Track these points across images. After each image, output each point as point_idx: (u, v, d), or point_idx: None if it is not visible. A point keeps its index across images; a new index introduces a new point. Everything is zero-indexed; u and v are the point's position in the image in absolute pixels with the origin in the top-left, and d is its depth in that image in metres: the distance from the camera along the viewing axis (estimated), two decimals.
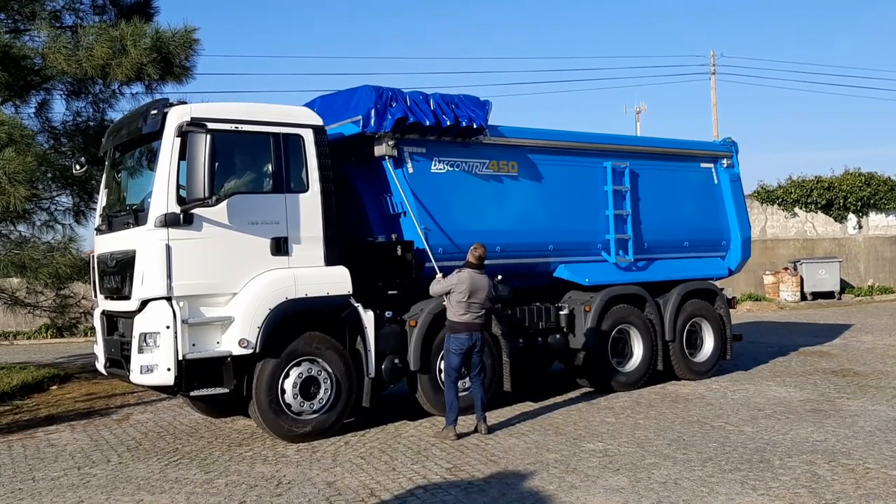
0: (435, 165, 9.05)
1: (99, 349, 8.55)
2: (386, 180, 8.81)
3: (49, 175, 11.96)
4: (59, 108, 21.19)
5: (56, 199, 12.68)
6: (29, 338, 21.05)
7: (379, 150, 8.62)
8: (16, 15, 12.05)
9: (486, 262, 8.40)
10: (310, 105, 9.32)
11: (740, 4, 74.81)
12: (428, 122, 8.59)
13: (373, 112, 8.47)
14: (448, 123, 8.72)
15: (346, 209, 8.73)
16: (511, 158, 9.65)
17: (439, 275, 8.31)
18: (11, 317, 18.99)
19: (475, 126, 8.95)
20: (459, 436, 7.95)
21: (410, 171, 8.83)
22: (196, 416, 9.42)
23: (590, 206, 10.34)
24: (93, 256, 8.75)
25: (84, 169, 9.24)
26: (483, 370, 8.30)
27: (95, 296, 8.66)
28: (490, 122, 9.32)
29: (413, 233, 8.71)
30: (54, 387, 12.16)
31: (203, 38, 11.79)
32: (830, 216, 26.92)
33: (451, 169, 9.17)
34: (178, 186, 7.39)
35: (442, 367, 8.75)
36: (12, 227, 12.16)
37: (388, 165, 8.68)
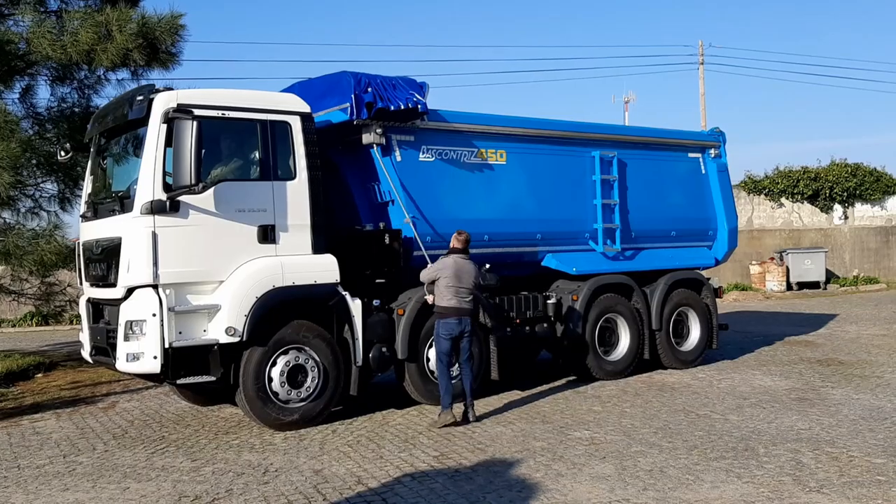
0: (423, 154, 9.02)
1: (85, 337, 8.50)
2: (374, 168, 8.77)
3: (34, 161, 11.86)
4: (44, 94, 20.94)
5: (41, 185, 12.55)
6: (14, 325, 20.92)
7: (367, 138, 8.57)
8: None
9: (475, 250, 8.43)
10: (288, 90, 9.26)
11: None
12: (392, 107, 8.45)
13: (356, 99, 8.42)
14: (402, 106, 8.52)
15: (333, 197, 8.69)
16: (500, 147, 9.63)
17: (430, 263, 8.33)
18: None
19: (420, 109, 8.70)
20: (457, 420, 7.98)
21: (398, 159, 8.80)
22: (182, 404, 9.38)
23: (578, 195, 10.35)
24: (78, 243, 8.69)
25: (69, 155, 9.17)
26: (472, 357, 8.31)
27: (81, 283, 8.60)
28: (475, 111, 9.41)
29: (401, 221, 8.68)
30: (39, 374, 12.09)
31: (187, 24, 11.64)
32: (817, 207, 27.08)
33: (439, 158, 9.14)
34: (165, 173, 7.33)
35: (429, 355, 8.77)
36: None
37: (377, 154, 8.64)
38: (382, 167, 8.64)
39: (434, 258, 8.41)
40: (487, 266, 9.13)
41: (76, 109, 12.74)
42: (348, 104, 8.51)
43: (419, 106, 8.64)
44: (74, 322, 18.91)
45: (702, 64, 33.17)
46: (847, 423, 7.72)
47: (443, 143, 9.17)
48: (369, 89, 8.41)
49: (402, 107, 8.50)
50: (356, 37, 75.32)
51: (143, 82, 12.08)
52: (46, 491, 6.26)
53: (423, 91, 8.73)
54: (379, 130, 8.55)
